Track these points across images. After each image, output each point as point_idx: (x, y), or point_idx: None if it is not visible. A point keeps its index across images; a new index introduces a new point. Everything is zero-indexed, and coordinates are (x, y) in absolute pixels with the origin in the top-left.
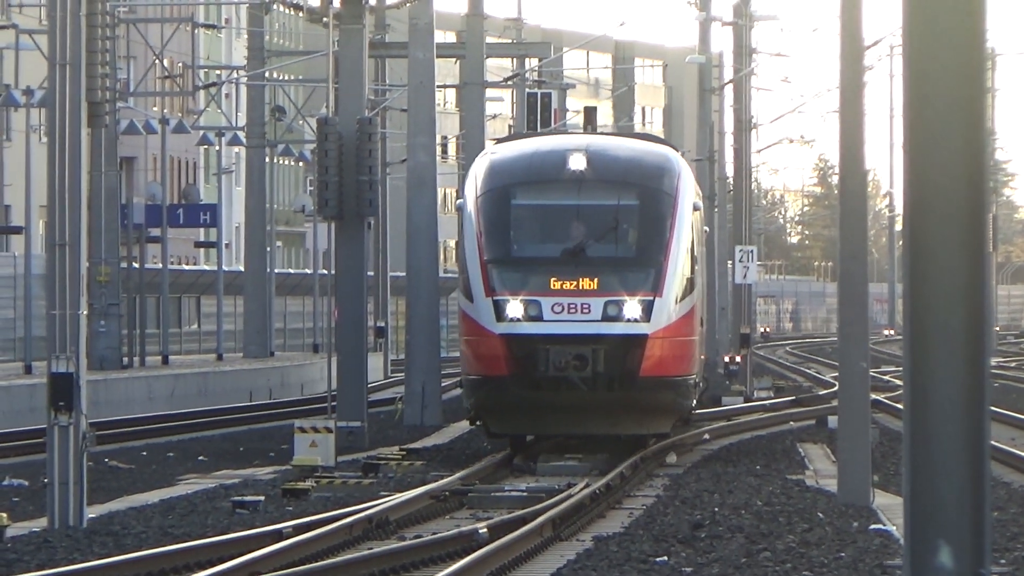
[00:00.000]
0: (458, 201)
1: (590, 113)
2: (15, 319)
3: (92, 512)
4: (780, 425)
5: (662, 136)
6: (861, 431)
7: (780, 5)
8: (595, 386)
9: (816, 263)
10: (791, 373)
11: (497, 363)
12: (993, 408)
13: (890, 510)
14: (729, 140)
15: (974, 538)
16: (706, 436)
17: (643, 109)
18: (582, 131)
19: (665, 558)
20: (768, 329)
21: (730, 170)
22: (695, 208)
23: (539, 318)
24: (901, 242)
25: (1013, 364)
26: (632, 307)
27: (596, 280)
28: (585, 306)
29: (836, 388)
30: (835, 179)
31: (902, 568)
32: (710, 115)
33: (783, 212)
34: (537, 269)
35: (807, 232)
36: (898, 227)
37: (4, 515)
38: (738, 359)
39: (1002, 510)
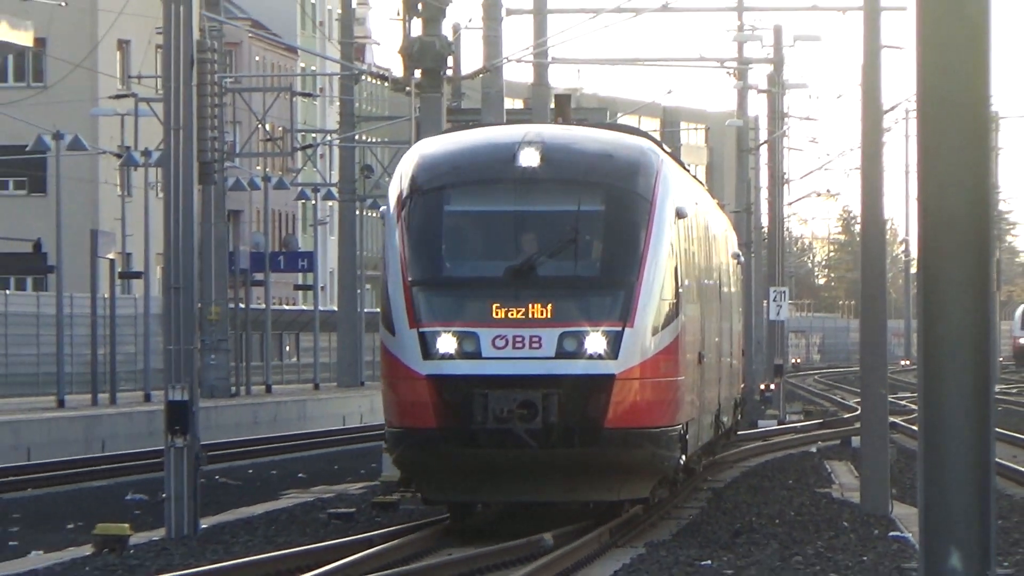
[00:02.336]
0: (381, 209)
1: (562, 102)
2: (136, 353)
3: (204, 523)
4: (809, 445)
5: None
6: (881, 449)
7: (809, 74)
8: (547, 441)
9: (840, 302)
10: (819, 399)
11: (423, 412)
12: (997, 429)
13: (907, 519)
14: (764, 194)
15: (981, 544)
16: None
17: (688, 167)
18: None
19: (709, 562)
20: (799, 360)
21: (765, 220)
22: (680, 215)
23: (476, 355)
24: (916, 283)
25: (1015, 391)
26: (595, 340)
27: (550, 306)
28: (535, 339)
29: (859, 412)
30: (857, 228)
31: (917, 571)
32: (747, 172)
33: (811, 257)
34: (475, 293)
35: (832, 275)
36: (913, 270)
37: (127, 526)
38: (772, 387)
39: (1005, 519)
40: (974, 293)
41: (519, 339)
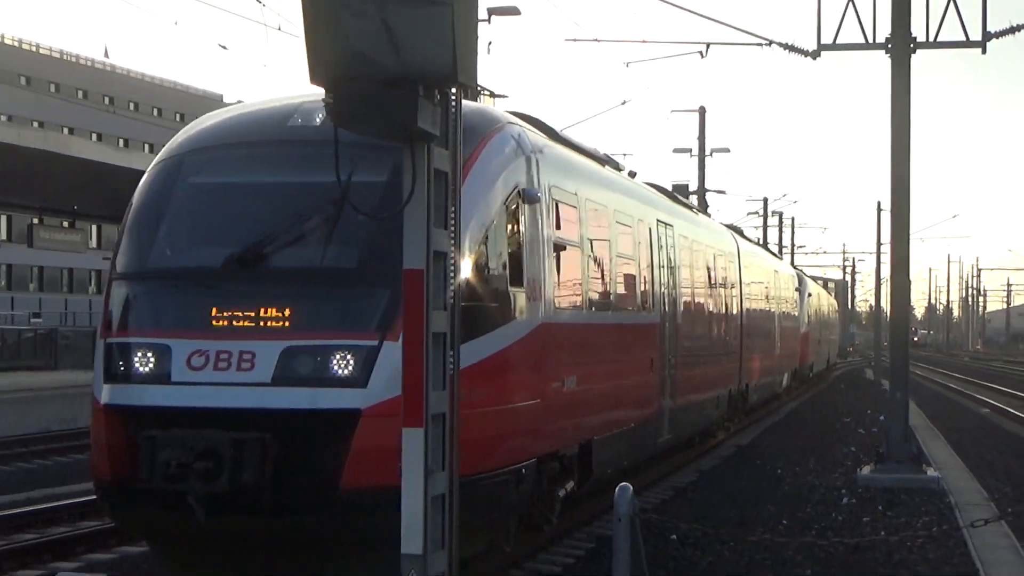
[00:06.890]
0: None
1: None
2: None
3: None
4: (862, 369)
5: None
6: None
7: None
8: (236, 506)
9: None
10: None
11: (99, 457)
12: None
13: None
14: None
15: (903, 426)
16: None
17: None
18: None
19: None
20: (860, 343)
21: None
22: (530, 199)
23: (164, 378)
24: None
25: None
26: (336, 359)
27: (284, 311)
28: (246, 357)
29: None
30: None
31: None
32: (845, 294)
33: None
34: (180, 290)
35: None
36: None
37: None
38: (850, 349)
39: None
40: (901, 326)
41: (224, 356)
